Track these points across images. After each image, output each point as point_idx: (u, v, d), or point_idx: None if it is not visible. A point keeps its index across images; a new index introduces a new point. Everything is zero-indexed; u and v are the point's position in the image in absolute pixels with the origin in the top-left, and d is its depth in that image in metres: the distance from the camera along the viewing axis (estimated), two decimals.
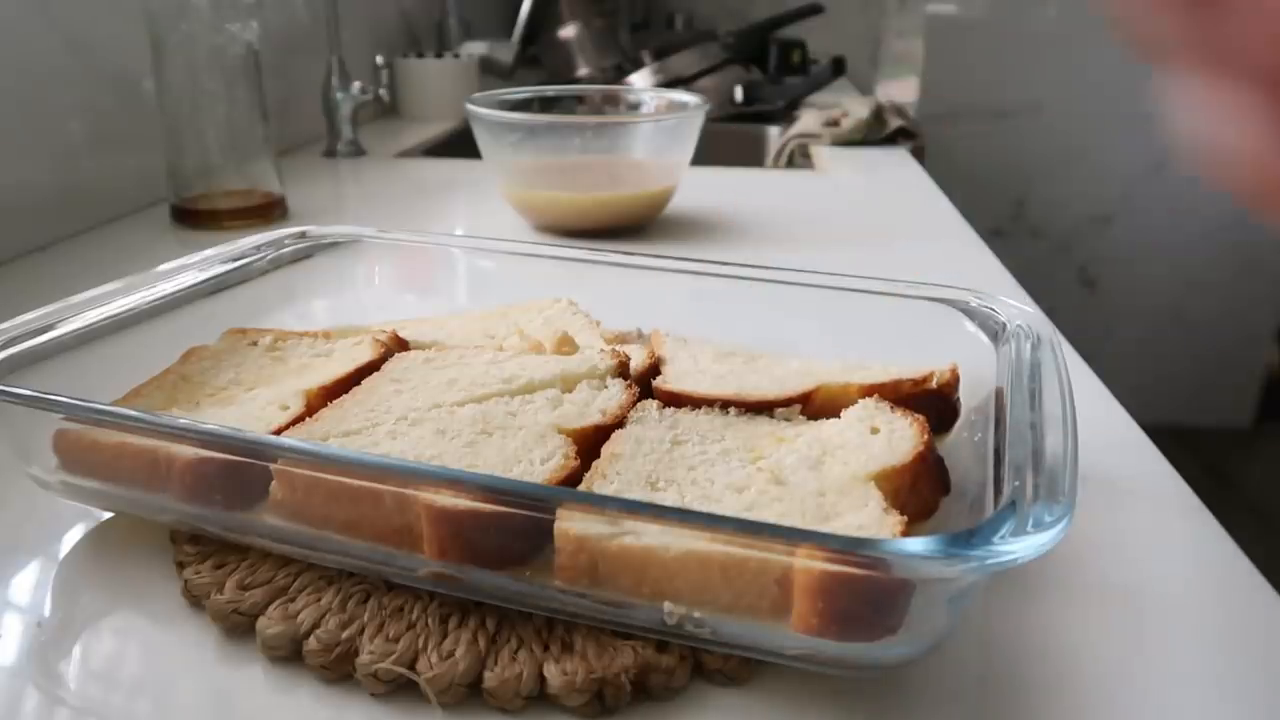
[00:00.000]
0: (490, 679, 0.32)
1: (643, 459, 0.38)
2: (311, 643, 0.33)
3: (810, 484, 0.36)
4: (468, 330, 0.53)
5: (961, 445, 0.42)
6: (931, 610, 0.30)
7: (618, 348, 0.48)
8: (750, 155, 1.55)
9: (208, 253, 0.53)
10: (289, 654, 0.34)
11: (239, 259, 0.53)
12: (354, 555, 0.35)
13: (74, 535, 0.41)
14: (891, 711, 0.33)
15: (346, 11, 1.26)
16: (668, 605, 0.31)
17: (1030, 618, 0.37)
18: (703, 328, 0.51)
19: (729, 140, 1.57)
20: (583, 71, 1.69)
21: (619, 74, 1.64)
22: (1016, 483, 0.31)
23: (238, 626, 0.35)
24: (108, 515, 0.42)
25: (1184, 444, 0.73)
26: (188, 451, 0.36)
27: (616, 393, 0.44)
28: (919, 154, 1.35)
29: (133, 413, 0.37)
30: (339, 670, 0.33)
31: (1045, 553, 0.27)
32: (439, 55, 1.61)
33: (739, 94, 1.62)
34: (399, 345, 0.49)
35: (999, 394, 0.40)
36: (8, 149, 0.77)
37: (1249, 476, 1.93)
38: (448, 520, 0.32)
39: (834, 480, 0.36)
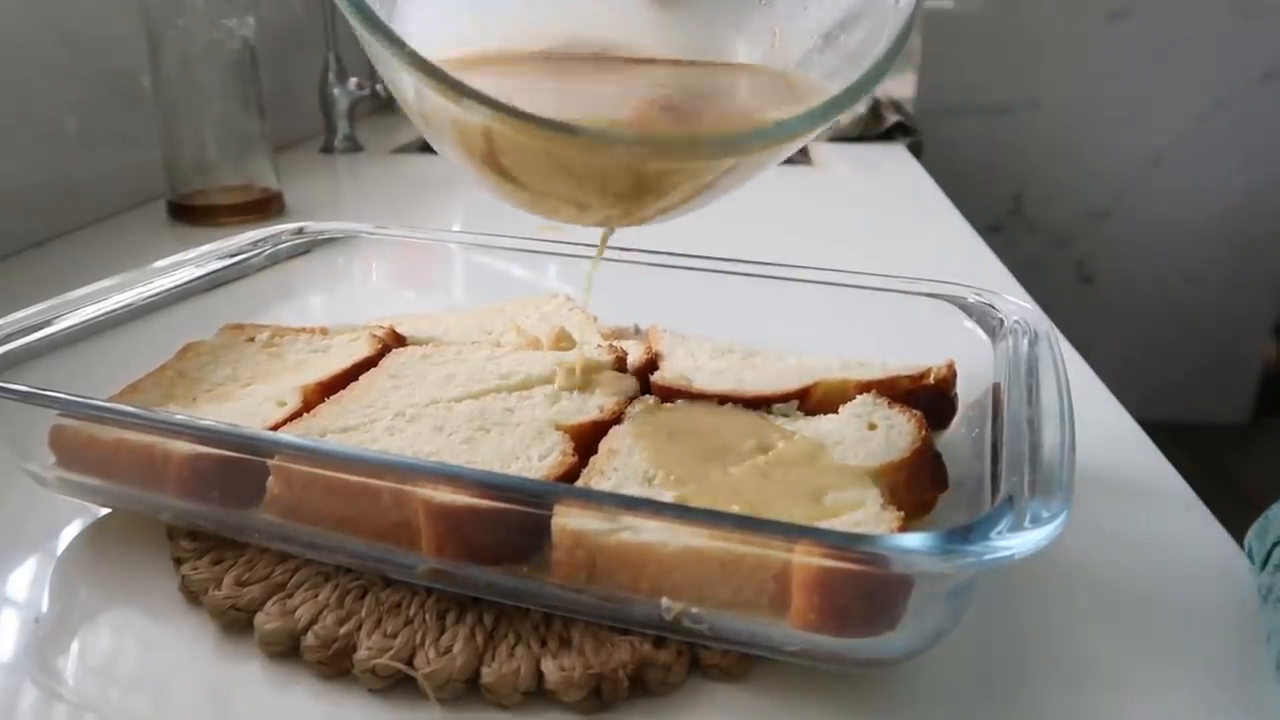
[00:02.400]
0: (488, 675, 0.32)
1: (640, 455, 0.38)
2: (309, 638, 0.33)
3: (808, 480, 0.36)
4: (465, 326, 0.53)
5: (959, 441, 0.42)
6: (929, 606, 0.30)
7: (615, 343, 0.48)
8: None
9: (204, 249, 0.53)
10: (286, 650, 0.34)
11: (236, 255, 0.53)
12: (351, 551, 0.35)
13: (71, 531, 0.41)
14: (889, 707, 0.33)
15: None
16: (665, 601, 0.31)
17: (1027, 614, 0.37)
18: (700, 323, 0.51)
19: None
20: None
21: None
22: (1014, 478, 0.31)
23: (235, 622, 0.35)
24: (105, 511, 0.42)
25: (1181, 440, 0.73)
26: (185, 447, 0.36)
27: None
28: (916, 149, 1.34)
29: (129, 409, 0.37)
30: (336, 666, 0.33)
31: (1042, 548, 0.27)
32: None
33: None
34: (396, 341, 0.49)
35: (996, 390, 0.40)
36: (4, 145, 0.77)
37: (1246, 472, 1.93)
38: (446, 516, 0.32)
39: (831, 476, 0.36)
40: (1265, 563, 0.36)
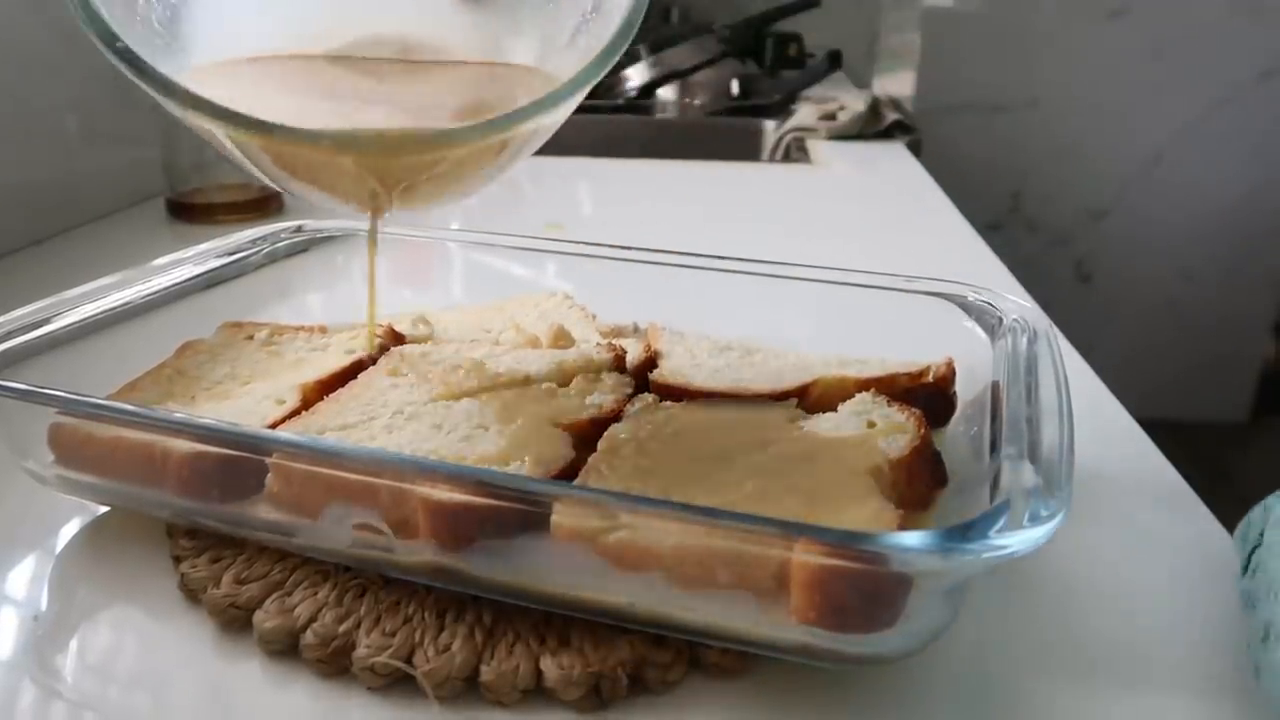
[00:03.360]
0: (487, 673, 0.32)
1: (639, 453, 0.38)
2: (308, 637, 0.33)
3: (807, 478, 0.36)
4: (464, 324, 0.53)
5: (958, 439, 0.42)
6: (928, 604, 0.30)
7: (614, 341, 0.48)
8: (746, 149, 1.55)
9: (203, 247, 0.53)
10: (286, 648, 0.34)
11: (234, 253, 0.53)
12: (351, 549, 0.35)
13: (70, 529, 0.41)
14: (887, 705, 0.33)
15: None
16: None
17: (1026, 611, 0.37)
18: (699, 321, 0.51)
19: (725, 134, 1.57)
20: None
21: (614, 67, 1.64)
22: (1013, 476, 0.31)
23: (234, 620, 0.35)
24: (104, 509, 0.42)
25: (1180, 438, 0.73)
26: (184, 446, 0.36)
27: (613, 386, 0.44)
28: (915, 148, 1.34)
29: (128, 407, 0.36)
30: (336, 664, 0.33)
31: (1041, 547, 0.28)
32: None
33: (735, 88, 1.62)
34: (395, 339, 0.49)
35: (995, 388, 0.40)
36: (3, 143, 0.77)
37: (1245, 470, 1.93)
38: (444, 514, 0.32)
39: (830, 474, 0.36)
40: (1246, 568, 0.36)
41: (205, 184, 0.88)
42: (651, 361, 0.47)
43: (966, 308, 0.47)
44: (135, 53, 0.30)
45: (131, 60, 0.30)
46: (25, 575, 0.39)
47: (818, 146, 1.31)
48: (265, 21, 0.36)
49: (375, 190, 0.35)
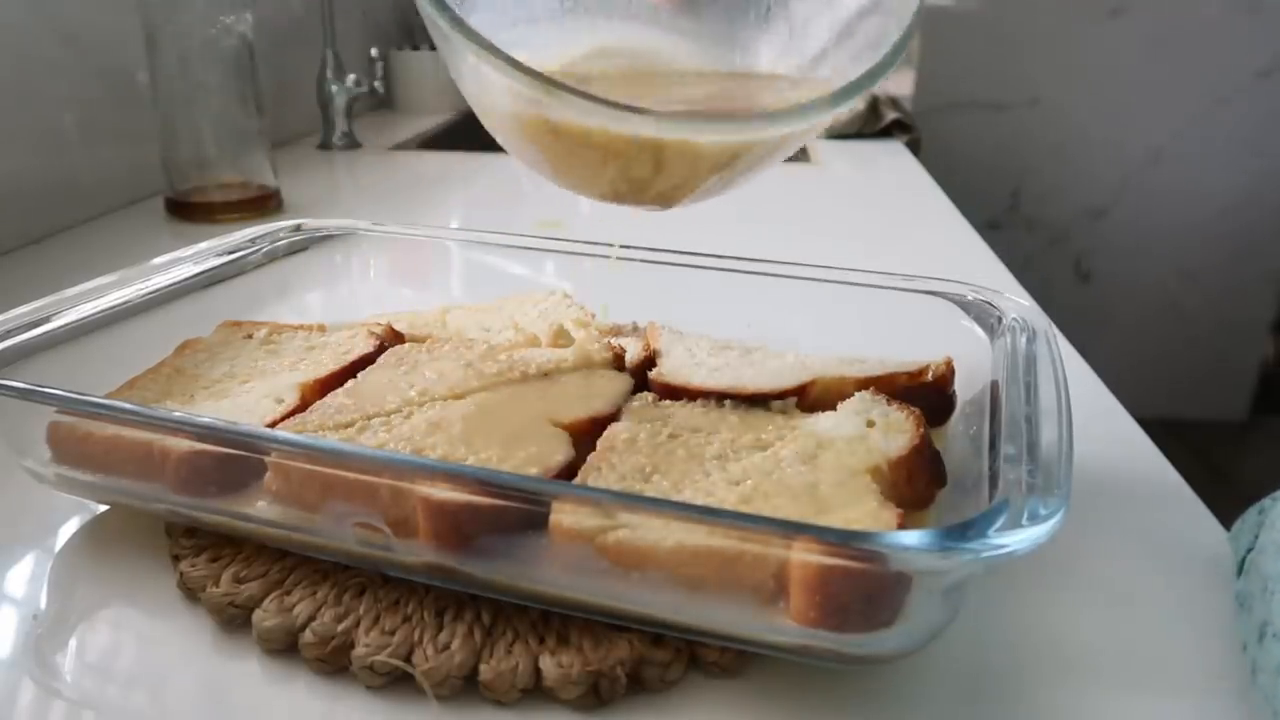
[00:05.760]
0: (486, 671, 0.32)
1: (638, 452, 0.38)
2: (307, 635, 0.33)
3: (806, 477, 0.36)
4: (463, 323, 0.53)
5: (957, 438, 0.42)
6: (927, 603, 0.30)
7: (613, 340, 0.48)
8: None
9: (202, 246, 0.53)
10: (285, 646, 0.34)
11: (234, 252, 0.53)
12: (349, 546, 0.35)
13: (69, 528, 0.41)
14: (886, 704, 0.33)
15: (341, 3, 1.25)
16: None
17: (1025, 610, 0.37)
18: (698, 321, 0.51)
19: None
20: None
21: None
22: (1012, 476, 0.31)
23: (233, 619, 0.35)
24: (103, 508, 0.42)
25: (1179, 437, 0.73)
26: (182, 444, 0.36)
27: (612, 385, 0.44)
28: (914, 146, 1.35)
29: (127, 406, 0.36)
30: (335, 663, 0.33)
31: (1040, 545, 0.28)
32: (434, 47, 1.60)
33: None
34: (394, 338, 0.49)
35: (994, 387, 0.40)
36: (2, 143, 0.77)
37: (1244, 469, 1.93)
38: (443, 513, 0.32)
39: (830, 473, 0.36)
40: (1240, 569, 0.36)
41: (204, 183, 0.88)
42: (651, 360, 0.47)
43: (965, 307, 0.47)
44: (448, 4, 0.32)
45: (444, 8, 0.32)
46: (24, 574, 0.39)
47: (817, 145, 1.31)
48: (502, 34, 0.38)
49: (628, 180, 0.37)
